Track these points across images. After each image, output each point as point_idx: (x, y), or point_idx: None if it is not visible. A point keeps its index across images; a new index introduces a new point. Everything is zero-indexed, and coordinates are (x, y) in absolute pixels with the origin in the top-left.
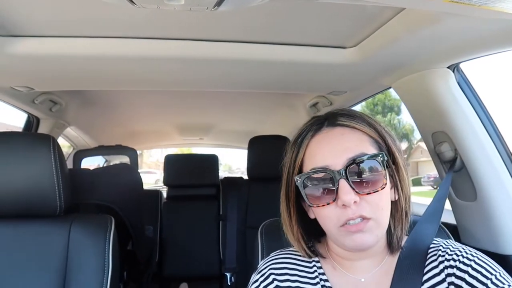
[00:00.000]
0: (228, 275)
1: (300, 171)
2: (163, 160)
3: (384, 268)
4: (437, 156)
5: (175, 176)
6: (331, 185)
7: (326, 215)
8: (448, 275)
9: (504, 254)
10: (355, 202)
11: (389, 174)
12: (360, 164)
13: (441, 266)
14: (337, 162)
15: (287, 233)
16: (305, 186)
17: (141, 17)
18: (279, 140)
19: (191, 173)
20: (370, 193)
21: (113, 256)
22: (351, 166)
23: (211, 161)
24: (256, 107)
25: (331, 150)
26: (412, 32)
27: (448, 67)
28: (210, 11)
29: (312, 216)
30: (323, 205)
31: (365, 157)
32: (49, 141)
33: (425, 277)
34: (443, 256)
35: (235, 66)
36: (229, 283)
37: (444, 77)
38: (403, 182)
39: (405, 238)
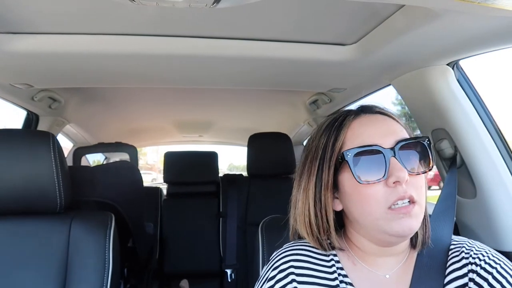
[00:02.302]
0: (228, 271)
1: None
2: (152, 162)
3: (406, 265)
4: (437, 153)
5: (175, 173)
6: (382, 162)
7: (373, 196)
8: (470, 280)
9: (504, 251)
10: (406, 180)
11: None
12: (409, 145)
13: (464, 270)
14: (386, 142)
15: (302, 227)
16: (355, 163)
17: (140, 14)
18: (278, 137)
19: (191, 170)
20: (419, 174)
21: (114, 252)
22: (401, 145)
23: (211, 158)
24: (255, 104)
25: (378, 131)
26: (411, 29)
27: (447, 64)
28: (209, 8)
29: (338, 208)
30: (374, 182)
31: (413, 140)
32: (49, 138)
33: (447, 279)
34: (467, 258)
35: (235, 64)
36: (229, 280)
37: (444, 74)
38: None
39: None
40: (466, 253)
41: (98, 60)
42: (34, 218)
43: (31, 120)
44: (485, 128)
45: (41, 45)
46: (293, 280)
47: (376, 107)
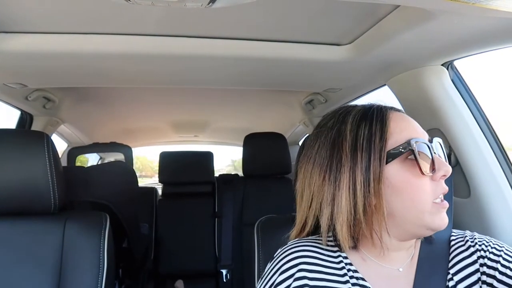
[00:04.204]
0: (224, 272)
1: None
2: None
3: (414, 257)
4: None
5: (170, 173)
6: (429, 157)
7: (424, 188)
8: (482, 265)
9: None
10: None
11: None
12: (439, 144)
13: (474, 257)
14: (426, 139)
15: (344, 226)
16: (417, 155)
17: (134, 14)
18: (274, 137)
19: (186, 170)
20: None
21: (108, 253)
22: (435, 143)
23: (206, 158)
24: (251, 104)
25: (418, 127)
26: (406, 29)
27: (442, 65)
28: (205, 8)
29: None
30: (428, 175)
31: (439, 140)
32: (43, 139)
33: (457, 267)
34: (474, 246)
35: (230, 63)
36: (224, 280)
37: (438, 75)
38: None
39: None
40: (471, 242)
41: (92, 60)
42: (28, 218)
43: (25, 120)
44: (479, 128)
45: (35, 44)
46: (304, 277)
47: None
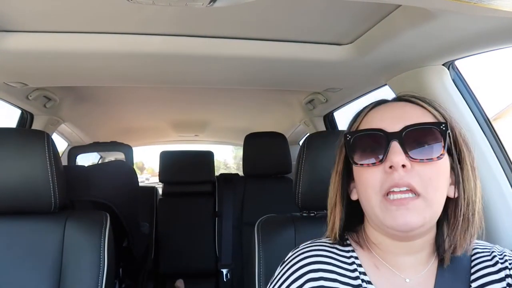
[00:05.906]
0: (224, 271)
1: None
2: None
3: (429, 271)
4: None
5: (171, 172)
6: (382, 146)
7: (370, 180)
8: (508, 285)
9: None
10: (404, 166)
11: (451, 166)
12: (418, 131)
13: (501, 274)
14: (394, 127)
15: (329, 222)
16: (353, 146)
17: (135, 13)
18: (275, 137)
19: (187, 170)
20: (423, 161)
21: (109, 252)
22: (408, 131)
23: (207, 158)
24: (251, 104)
25: (389, 116)
26: (407, 29)
27: (443, 65)
28: (205, 7)
29: (354, 197)
30: (367, 165)
31: (421, 125)
32: (44, 138)
33: (480, 281)
34: (503, 263)
35: (231, 63)
36: (225, 280)
37: (439, 74)
38: (466, 182)
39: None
40: (499, 257)
41: (93, 59)
42: (28, 218)
43: (26, 119)
44: (479, 128)
45: (36, 43)
46: (322, 287)
47: (406, 96)
